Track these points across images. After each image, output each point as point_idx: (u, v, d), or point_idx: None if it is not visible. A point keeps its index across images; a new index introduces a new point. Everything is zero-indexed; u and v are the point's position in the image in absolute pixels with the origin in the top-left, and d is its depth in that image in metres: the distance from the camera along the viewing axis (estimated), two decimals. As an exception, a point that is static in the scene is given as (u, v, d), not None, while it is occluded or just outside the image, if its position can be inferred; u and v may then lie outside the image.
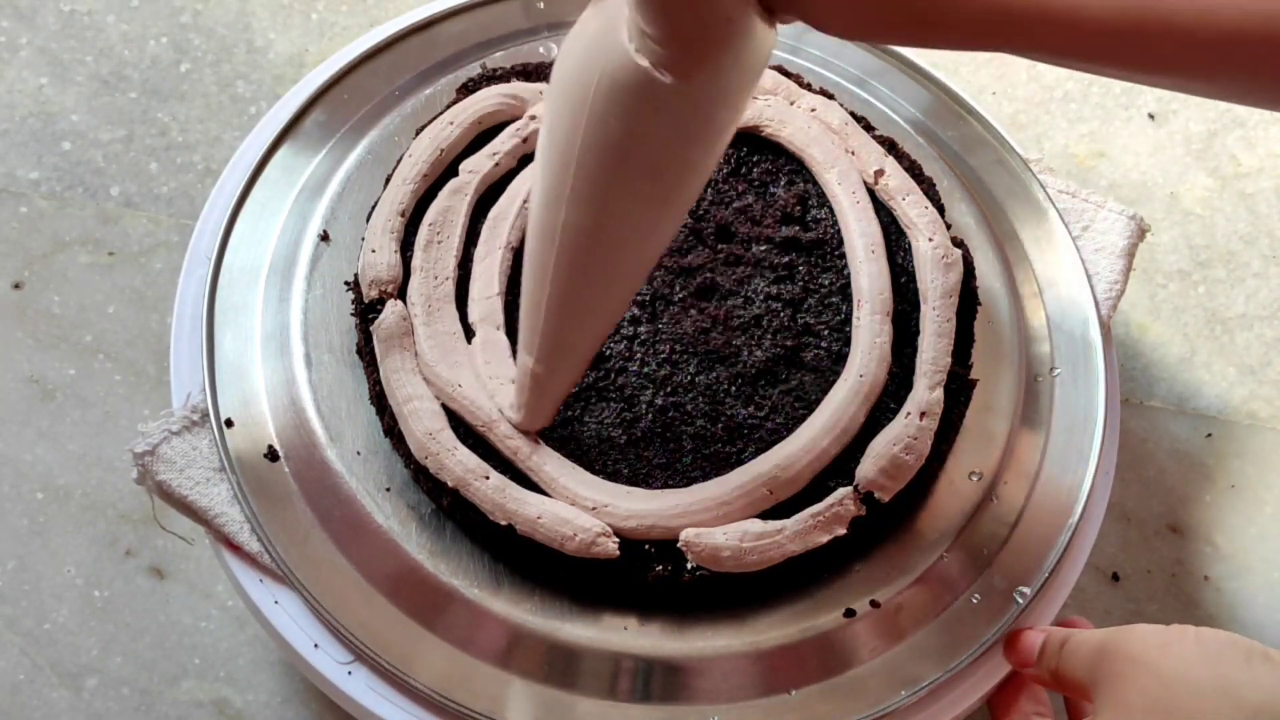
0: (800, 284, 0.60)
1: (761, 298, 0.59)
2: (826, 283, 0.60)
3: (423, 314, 0.56)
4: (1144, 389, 0.77)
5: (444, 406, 0.55)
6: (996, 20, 0.39)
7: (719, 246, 0.61)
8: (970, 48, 0.42)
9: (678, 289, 0.59)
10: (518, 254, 0.59)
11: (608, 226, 0.46)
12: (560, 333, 0.50)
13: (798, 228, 0.61)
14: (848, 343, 0.58)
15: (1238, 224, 0.83)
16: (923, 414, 0.56)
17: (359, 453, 0.56)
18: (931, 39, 0.41)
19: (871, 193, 0.62)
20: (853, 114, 0.65)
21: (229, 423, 0.56)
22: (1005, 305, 0.64)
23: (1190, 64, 0.40)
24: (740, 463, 0.55)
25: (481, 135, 0.62)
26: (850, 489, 0.54)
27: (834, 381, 0.57)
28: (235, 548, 0.54)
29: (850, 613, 0.55)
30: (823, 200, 0.62)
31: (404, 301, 0.57)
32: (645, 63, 0.40)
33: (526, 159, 0.62)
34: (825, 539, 0.53)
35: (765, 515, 0.54)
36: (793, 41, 0.71)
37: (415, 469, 0.54)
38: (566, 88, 0.43)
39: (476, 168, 0.60)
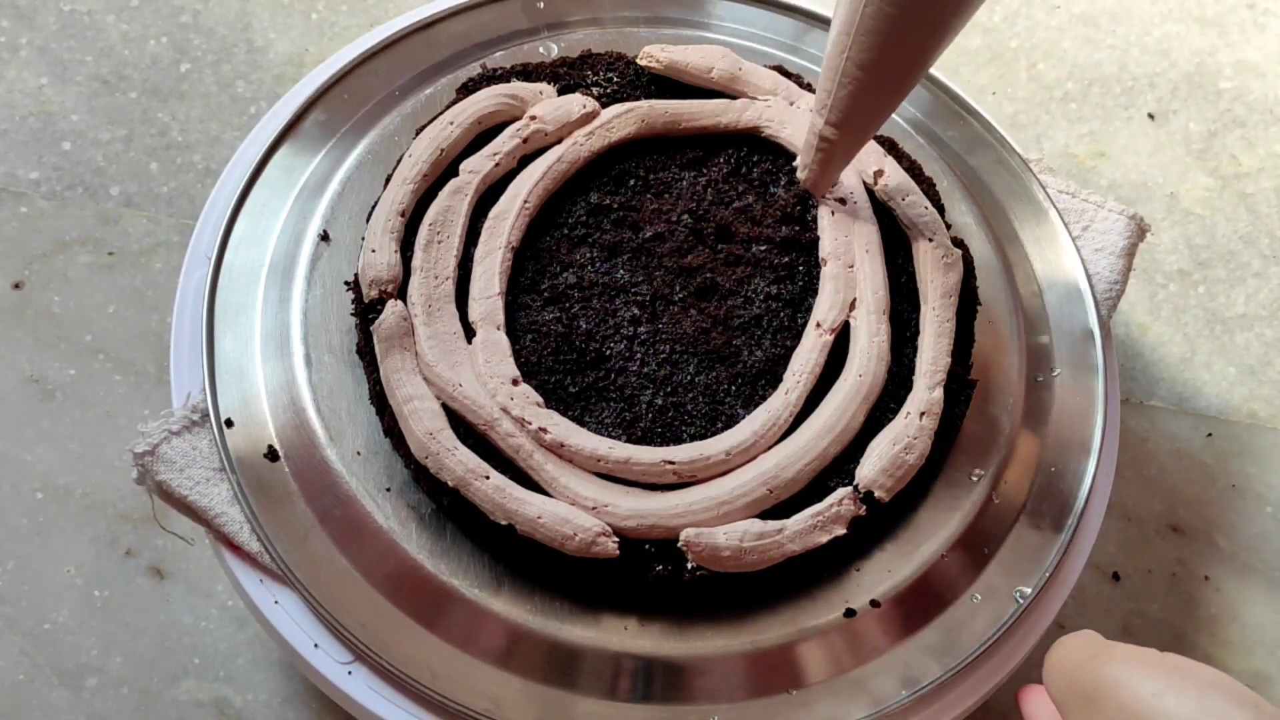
0: (800, 284, 0.60)
1: (761, 298, 0.59)
2: (826, 283, 0.60)
3: (423, 314, 0.56)
4: (1144, 389, 0.77)
5: (444, 406, 0.55)
6: None
7: (719, 246, 0.61)
8: None
9: (678, 289, 0.59)
10: (517, 254, 0.59)
11: (907, 9, 0.49)
12: (854, 99, 0.53)
13: (798, 228, 0.61)
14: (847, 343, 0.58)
15: (1238, 224, 0.83)
16: (923, 414, 0.56)
17: (359, 453, 0.56)
18: None
19: (871, 193, 0.62)
20: (853, 114, 0.65)
21: (229, 423, 0.56)
22: (1005, 305, 0.64)
23: None
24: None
25: (481, 135, 0.62)
26: (850, 489, 0.54)
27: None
28: (235, 548, 0.54)
29: (850, 613, 0.55)
30: (823, 200, 0.62)
31: (404, 301, 0.57)
32: None
33: (526, 159, 0.62)
34: (825, 539, 0.53)
35: (765, 515, 0.54)
36: (792, 41, 0.71)
37: (415, 469, 0.54)
38: None
39: (477, 168, 0.60)
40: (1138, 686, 0.41)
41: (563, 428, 0.54)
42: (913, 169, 0.64)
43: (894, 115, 0.68)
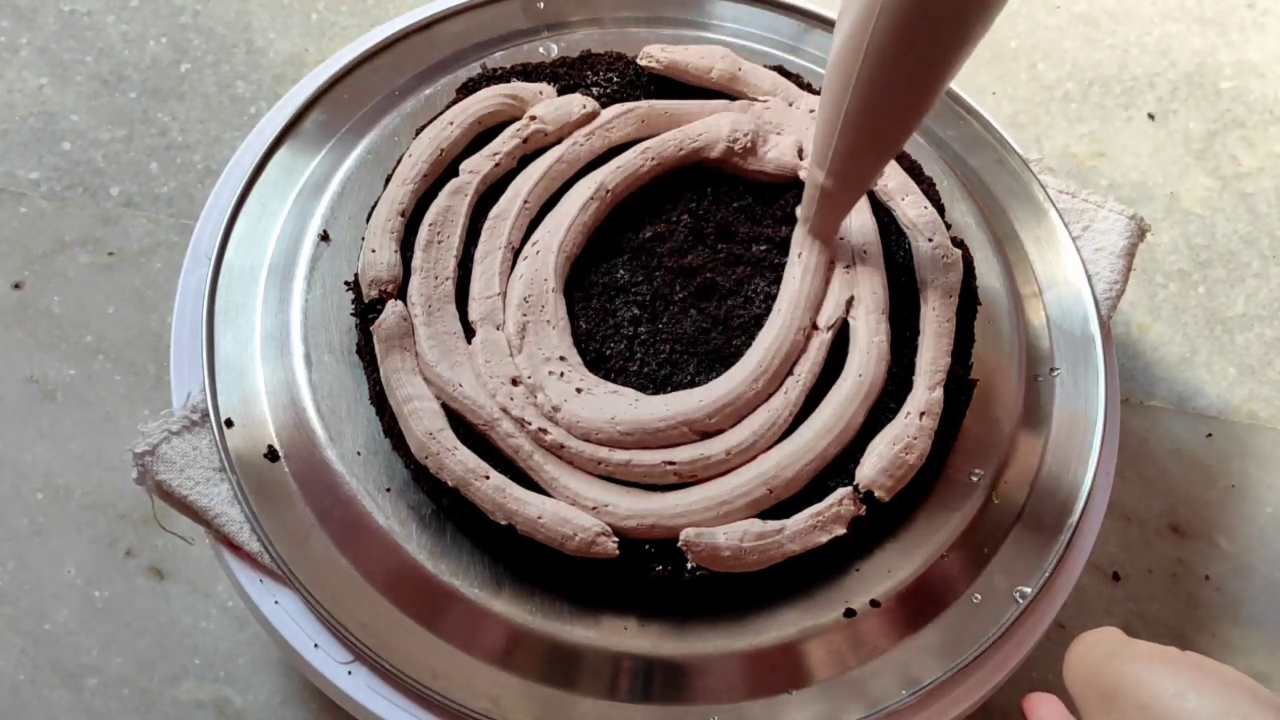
0: (800, 284, 0.60)
1: (761, 298, 0.59)
2: (826, 283, 0.60)
3: (423, 314, 0.56)
4: (1144, 389, 0.77)
5: (444, 406, 0.55)
6: None
7: (719, 246, 0.61)
8: None
9: (678, 289, 0.59)
10: (518, 254, 0.59)
11: (910, 54, 0.49)
12: (854, 149, 0.53)
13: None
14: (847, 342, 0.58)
15: (1238, 224, 0.83)
16: (923, 414, 0.56)
17: (359, 453, 0.56)
18: None
19: (871, 193, 0.62)
20: (853, 114, 0.65)
21: (229, 423, 0.56)
22: (1005, 305, 0.64)
23: None
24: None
25: (481, 135, 0.62)
26: (850, 489, 0.54)
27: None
28: (235, 548, 0.54)
29: (850, 613, 0.55)
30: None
31: (404, 301, 0.57)
32: None
33: (526, 159, 0.62)
34: (825, 539, 0.53)
35: (765, 515, 0.54)
36: (792, 41, 0.71)
37: (415, 469, 0.54)
38: None
39: (477, 168, 0.60)
40: (1158, 685, 0.41)
41: (562, 430, 0.54)
42: (913, 169, 0.64)
43: (894, 115, 0.68)
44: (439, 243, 0.58)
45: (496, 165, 0.61)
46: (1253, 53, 0.89)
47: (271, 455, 0.56)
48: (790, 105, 0.64)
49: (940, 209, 0.62)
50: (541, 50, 0.68)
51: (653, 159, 0.61)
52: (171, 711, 0.64)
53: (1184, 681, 0.41)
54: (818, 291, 0.58)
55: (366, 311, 0.57)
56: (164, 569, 0.67)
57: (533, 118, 0.62)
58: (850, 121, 0.51)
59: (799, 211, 0.59)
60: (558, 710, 0.52)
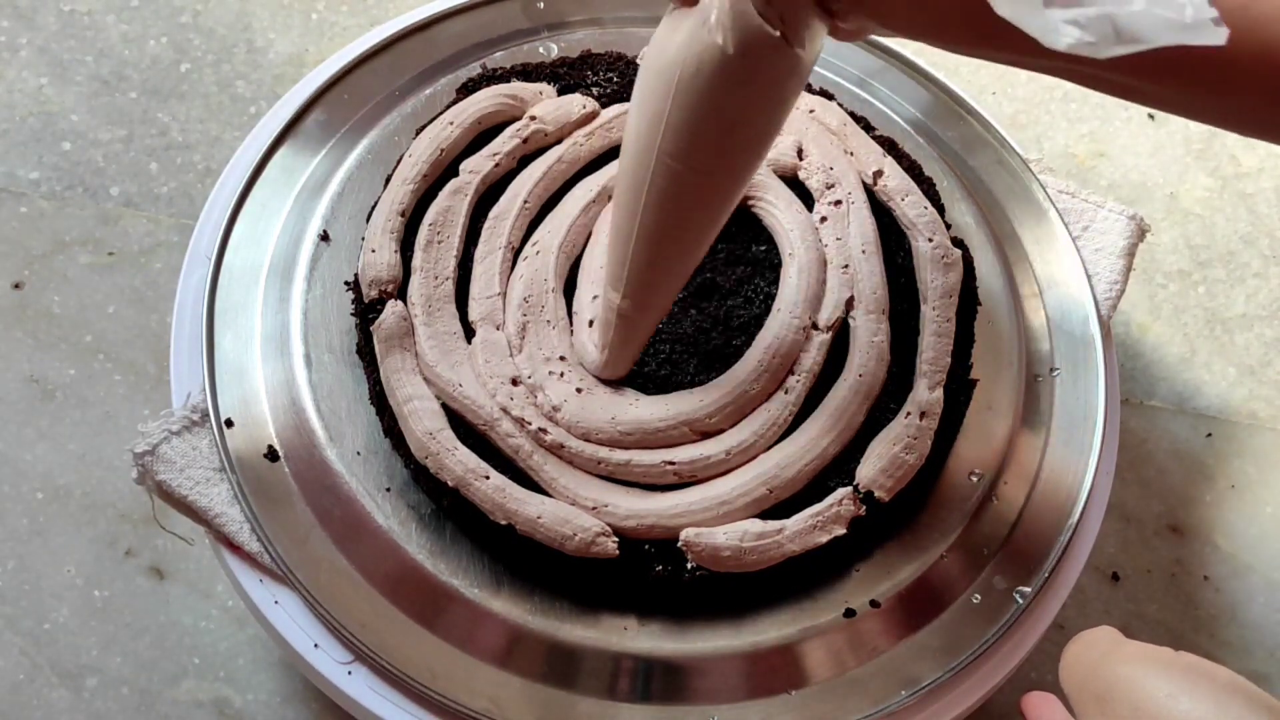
0: (800, 284, 0.60)
1: (761, 298, 0.59)
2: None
3: (423, 314, 0.56)
4: (1144, 389, 0.77)
5: (444, 406, 0.55)
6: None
7: (719, 246, 0.60)
8: (1029, 62, 0.42)
9: (678, 289, 0.59)
10: (518, 254, 0.59)
11: (699, 170, 0.47)
12: (650, 267, 0.51)
13: (798, 228, 0.61)
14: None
15: (1238, 224, 0.83)
16: (923, 414, 0.56)
17: (359, 453, 0.56)
18: (993, 46, 0.41)
19: (871, 192, 0.62)
20: (852, 114, 0.65)
21: (229, 423, 0.56)
22: (1005, 305, 0.64)
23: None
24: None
25: (481, 135, 0.62)
26: (850, 489, 0.54)
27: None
28: (235, 548, 0.54)
29: (850, 613, 0.55)
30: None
31: (404, 301, 0.57)
32: (726, 46, 0.43)
33: (526, 159, 0.62)
34: (825, 539, 0.53)
35: (765, 515, 0.54)
36: (793, 41, 0.71)
37: (415, 469, 0.54)
38: (658, 68, 0.46)
39: (477, 168, 0.60)
40: (1151, 687, 0.41)
41: (562, 429, 0.54)
42: (913, 169, 0.64)
43: (894, 115, 0.68)
44: (439, 243, 0.58)
45: (496, 165, 0.61)
46: (1253, 53, 0.89)
47: (271, 455, 0.56)
48: (790, 105, 0.64)
49: (940, 209, 0.62)
50: (541, 50, 0.68)
51: None
52: (171, 711, 0.64)
53: (1176, 683, 0.41)
54: (815, 288, 0.58)
55: (366, 311, 0.57)
56: (164, 569, 0.67)
57: (533, 118, 0.62)
58: (644, 237, 0.49)
59: (595, 340, 0.55)
60: (557, 710, 0.52)
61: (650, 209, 0.48)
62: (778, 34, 0.42)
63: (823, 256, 0.59)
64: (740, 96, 0.45)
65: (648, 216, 0.49)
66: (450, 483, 0.53)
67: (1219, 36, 0.35)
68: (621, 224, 0.50)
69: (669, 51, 0.45)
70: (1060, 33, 0.36)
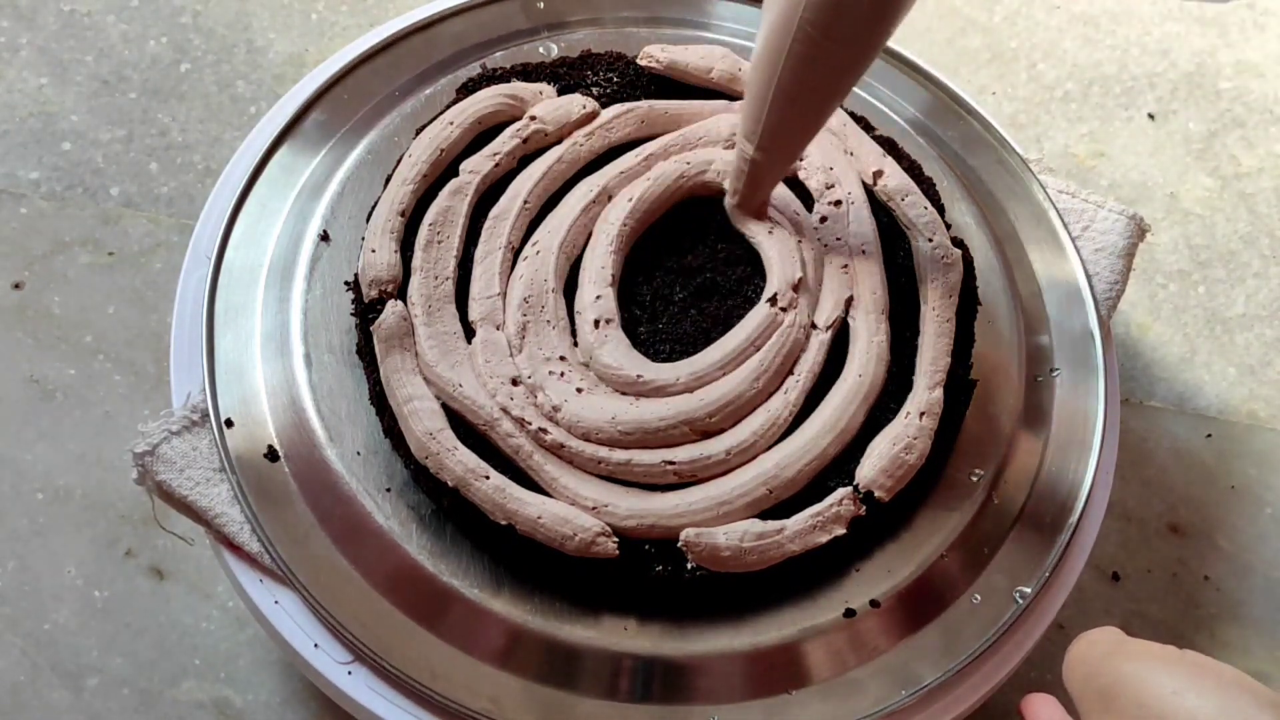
0: (800, 284, 0.60)
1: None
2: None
3: (423, 314, 0.56)
4: (1144, 389, 0.77)
5: (444, 406, 0.55)
6: None
7: (719, 246, 0.61)
8: None
9: (678, 289, 0.59)
10: (518, 254, 0.59)
11: (838, 39, 0.51)
12: (783, 122, 0.55)
13: (798, 228, 0.61)
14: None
15: (1238, 224, 0.83)
16: (923, 414, 0.56)
17: (359, 453, 0.56)
18: None
19: (871, 192, 0.62)
20: (852, 114, 0.65)
21: (229, 423, 0.56)
22: (1005, 305, 0.64)
23: None
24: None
25: (481, 135, 0.62)
26: (850, 489, 0.54)
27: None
28: (235, 548, 0.54)
29: (850, 613, 0.55)
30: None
31: (404, 301, 0.57)
32: None
33: (526, 159, 0.62)
34: (825, 539, 0.53)
35: (765, 515, 0.54)
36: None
37: (415, 469, 0.54)
38: None
39: (477, 168, 0.60)
40: (1156, 684, 0.41)
41: (562, 429, 0.54)
42: (913, 169, 0.64)
43: (893, 115, 0.68)
44: (439, 243, 0.58)
45: (496, 165, 0.61)
46: (1253, 53, 0.89)
47: (271, 455, 0.56)
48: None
49: (940, 209, 0.62)
50: (541, 50, 0.68)
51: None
52: (171, 711, 0.64)
53: (1182, 680, 0.41)
54: (793, 255, 0.58)
55: (366, 311, 0.57)
56: (164, 569, 0.67)
57: (533, 118, 0.62)
58: (780, 96, 0.53)
59: (727, 186, 0.60)
60: (558, 710, 0.52)
61: (788, 71, 0.52)
62: None
63: (797, 228, 0.59)
64: None
65: (785, 77, 0.52)
66: (450, 483, 0.53)
67: None
68: (759, 83, 0.53)
69: None
70: None
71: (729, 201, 0.60)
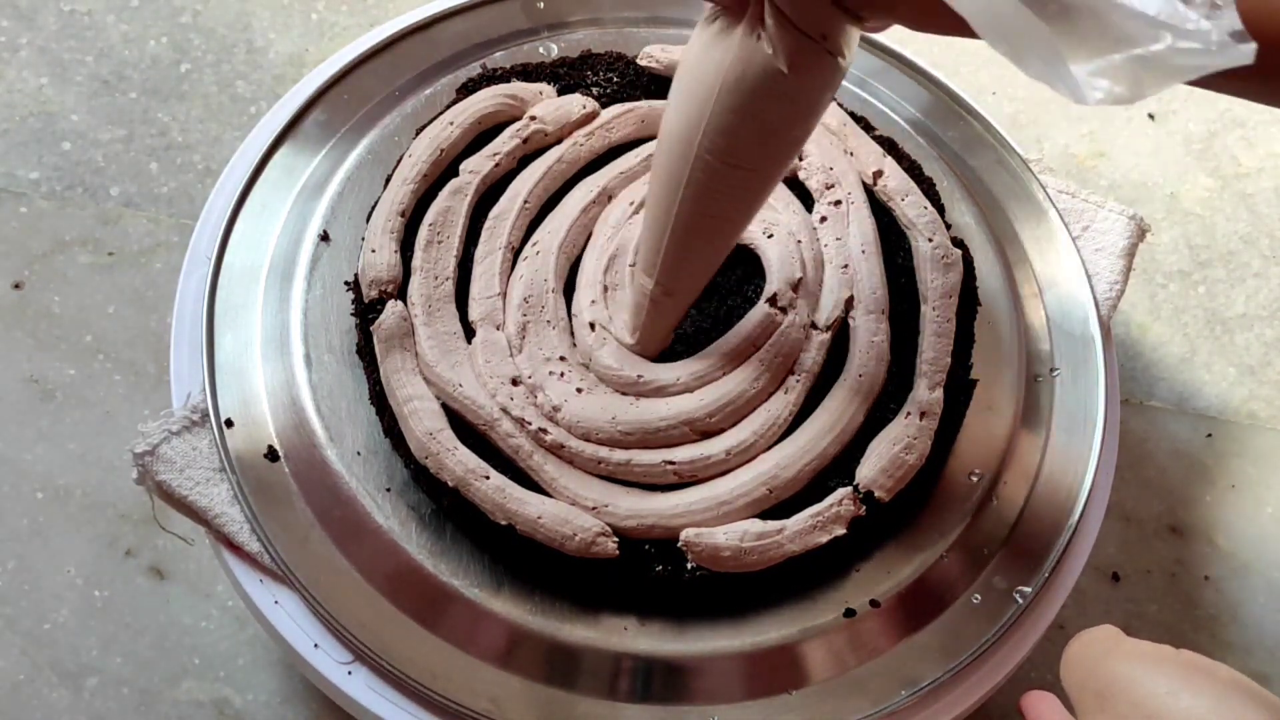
0: (800, 284, 0.60)
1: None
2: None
3: (423, 314, 0.56)
4: (1144, 389, 0.77)
5: (444, 406, 0.55)
6: None
7: (719, 246, 0.61)
8: None
9: (678, 289, 0.59)
10: (518, 254, 0.59)
11: (740, 167, 0.49)
12: (685, 255, 0.53)
13: (798, 228, 0.61)
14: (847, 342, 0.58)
15: (1238, 224, 0.83)
16: (923, 414, 0.56)
17: (359, 453, 0.56)
18: None
19: (870, 192, 0.62)
20: (852, 114, 0.65)
21: (229, 423, 0.56)
22: (1005, 305, 0.64)
23: None
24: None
25: (481, 135, 0.62)
26: (850, 489, 0.54)
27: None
28: (235, 548, 0.54)
29: (850, 613, 0.55)
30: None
31: (404, 301, 0.57)
32: (778, 63, 0.45)
33: (526, 159, 0.62)
34: (825, 539, 0.53)
35: (765, 515, 0.54)
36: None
37: (415, 469, 0.54)
38: (699, 75, 0.48)
39: (477, 168, 0.60)
40: (1151, 684, 0.41)
41: (562, 429, 0.54)
42: (913, 169, 0.64)
43: (894, 115, 0.68)
44: (439, 243, 0.58)
45: (496, 165, 0.61)
46: (1253, 53, 0.89)
47: (271, 455, 0.56)
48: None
49: (940, 209, 0.62)
50: (541, 50, 0.68)
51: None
52: (171, 711, 0.64)
53: (1176, 680, 0.41)
54: (792, 255, 0.58)
55: (366, 311, 0.57)
56: (164, 569, 0.67)
57: (533, 118, 0.62)
58: (680, 228, 0.51)
59: (628, 323, 0.56)
60: (558, 710, 0.52)
61: (688, 201, 0.50)
62: (824, 48, 0.44)
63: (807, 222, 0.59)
64: (787, 105, 0.47)
65: (685, 208, 0.51)
66: (450, 483, 0.53)
67: (1247, 55, 0.35)
68: (657, 215, 0.52)
69: (710, 61, 0.47)
70: (1091, 88, 0.36)
71: (628, 341, 0.56)
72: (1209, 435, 0.76)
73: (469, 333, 0.57)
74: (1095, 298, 0.65)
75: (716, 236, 0.53)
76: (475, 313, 0.57)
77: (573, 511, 0.52)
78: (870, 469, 0.55)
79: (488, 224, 0.59)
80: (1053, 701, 0.47)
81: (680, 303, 0.56)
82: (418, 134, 0.62)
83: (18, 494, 0.68)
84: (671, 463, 0.54)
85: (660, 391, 0.56)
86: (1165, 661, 0.42)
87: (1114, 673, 0.43)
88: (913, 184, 0.62)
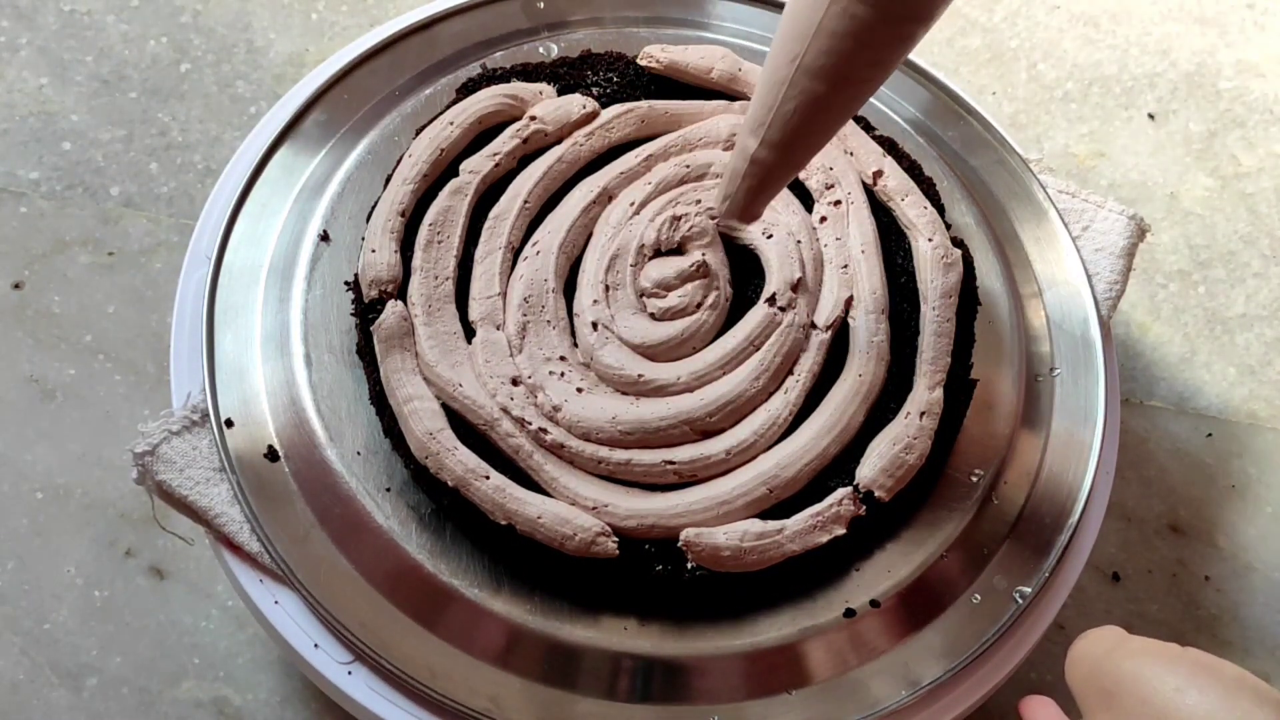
0: (800, 284, 0.60)
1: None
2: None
3: (423, 314, 0.56)
4: (1144, 389, 0.77)
5: (444, 406, 0.55)
6: None
7: (719, 246, 0.61)
8: None
9: (678, 289, 0.59)
10: (518, 254, 0.59)
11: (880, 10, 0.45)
12: (802, 111, 0.48)
13: (798, 228, 0.61)
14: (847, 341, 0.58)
15: (1238, 224, 0.83)
16: (923, 414, 0.56)
17: (359, 453, 0.56)
18: None
19: (870, 192, 0.62)
20: (852, 114, 0.65)
21: (229, 423, 0.56)
22: (1005, 305, 0.64)
23: None
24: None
25: (481, 135, 0.62)
26: (850, 489, 0.54)
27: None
28: (235, 548, 0.54)
29: (850, 613, 0.55)
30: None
31: (404, 301, 0.57)
32: None
33: (526, 159, 0.62)
34: (825, 539, 0.53)
35: (765, 515, 0.54)
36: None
37: (415, 469, 0.54)
38: None
39: (477, 168, 0.60)
40: (1158, 681, 0.41)
41: (562, 429, 0.54)
42: (913, 169, 0.64)
43: (894, 115, 0.68)
44: (439, 243, 0.58)
45: (496, 165, 0.61)
46: (1253, 53, 0.89)
47: (271, 455, 0.56)
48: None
49: (940, 209, 0.62)
50: (541, 50, 0.68)
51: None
52: (171, 711, 0.64)
53: (1183, 677, 0.41)
54: (792, 255, 0.58)
55: (366, 311, 0.57)
56: (164, 569, 0.67)
57: (533, 118, 0.62)
58: (803, 79, 0.46)
59: (719, 190, 0.52)
60: (557, 710, 0.52)
61: (815, 52, 0.45)
62: None
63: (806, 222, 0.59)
64: None
65: (810, 59, 0.46)
66: (450, 483, 0.53)
67: None
68: (778, 64, 0.47)
69: None
70: None
71: (719, 209, 0.53)
72: (1209, 435, 0.76)
73: (469, 333, 0.57)
74: (1095, 298, 0.65)
75: (842, 94, 0.47)
76: (475, 312, 0.57)
77: (573, 511, 0.52)
78: (870, 469, 0.55)
79: (488, 224, 0.59)
80: (1052, 707, 0.47)
81: (780, 169, 0.50)
82: (418, 134, 0.62)
83: (18, 494, 0.68)
84: (671, 462, 0.54)
85: (660, 391, 0.56)
86: (1172, 659, 0.42)
87: (1121, 670, 0.43)
88: (913, 184, 0.62)
